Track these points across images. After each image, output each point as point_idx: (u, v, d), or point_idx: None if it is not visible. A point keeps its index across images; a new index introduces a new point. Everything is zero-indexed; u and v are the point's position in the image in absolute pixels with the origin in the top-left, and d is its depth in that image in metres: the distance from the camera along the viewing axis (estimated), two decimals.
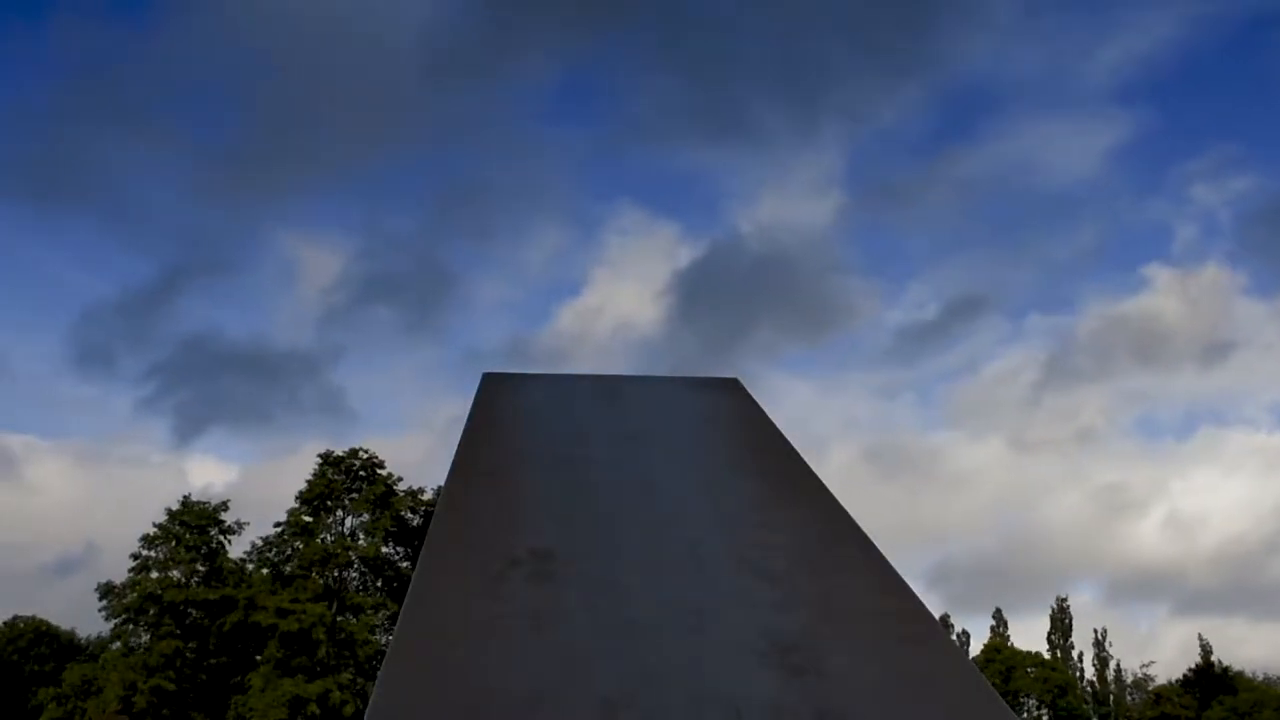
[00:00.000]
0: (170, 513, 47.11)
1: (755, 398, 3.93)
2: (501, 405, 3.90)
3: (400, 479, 49.60)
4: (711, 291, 76.14)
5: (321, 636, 43.56)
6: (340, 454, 49.09)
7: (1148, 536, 78.33)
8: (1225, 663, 58.33)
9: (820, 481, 3.05)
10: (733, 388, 4.14)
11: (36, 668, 49.11)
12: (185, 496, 47.77)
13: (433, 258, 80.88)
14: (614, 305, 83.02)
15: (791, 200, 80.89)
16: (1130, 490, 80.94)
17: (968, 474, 78.53)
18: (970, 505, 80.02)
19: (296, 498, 48.63)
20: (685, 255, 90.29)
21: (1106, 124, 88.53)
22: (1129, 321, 79.18)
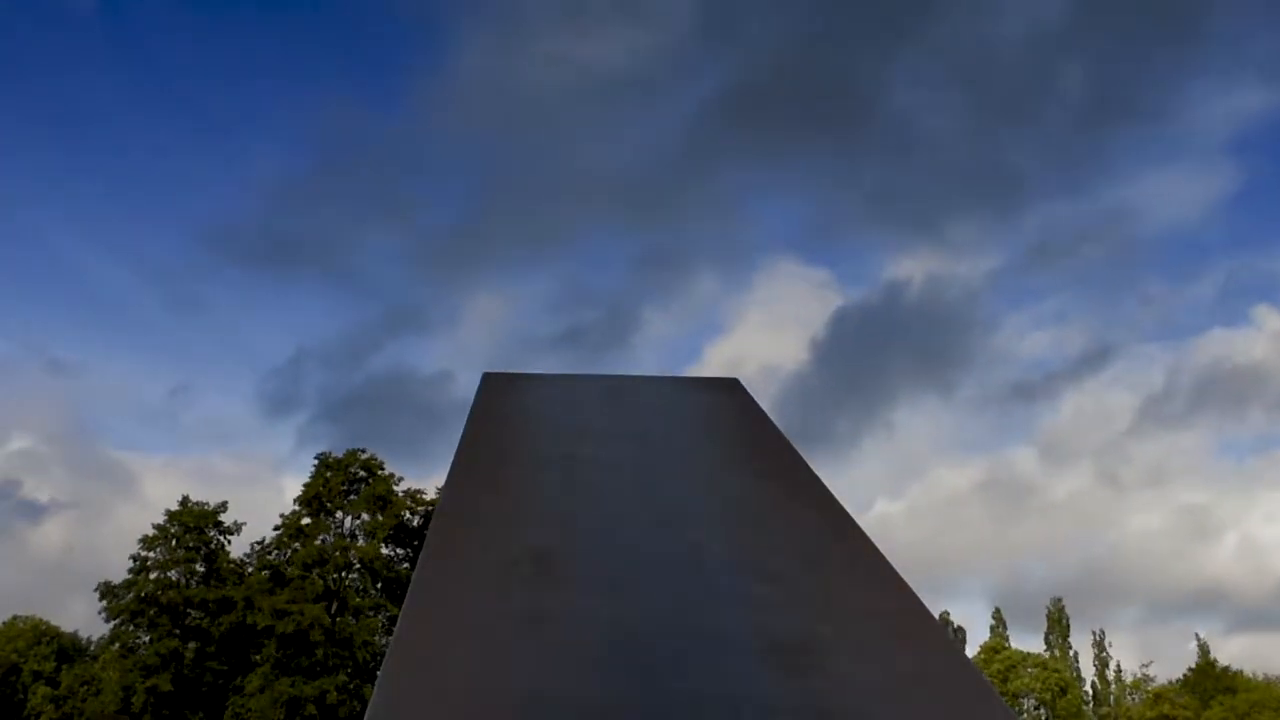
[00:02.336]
0: (169, 513, 47.09)
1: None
2: (502, 405, 3.89)
3: (401, 479, 49.59)
4: (855, 339, 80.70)
5: (320, 638, 43.53)
6: (339, 457, 49.09)
7: (1219, 559, 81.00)
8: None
9: (820, 481, 3.05)
10: (733, 388, 4.13)
11: (36, 667, 49.08)
12: (184, 497, 47.76)
13: (621, 309, 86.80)
14: (759, 347, 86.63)
15: (943, 256, 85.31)
16: (1209, 514, 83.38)
17: (1062, 503, 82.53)
18: (1058, 531, 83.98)
19: (295, 499, 48.61)
20: (833, 302, 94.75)
21: (1217, 173, 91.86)
22: (1231, 362, 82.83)
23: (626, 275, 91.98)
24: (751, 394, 4.00)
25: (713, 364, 79.63)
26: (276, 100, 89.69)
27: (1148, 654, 61.93)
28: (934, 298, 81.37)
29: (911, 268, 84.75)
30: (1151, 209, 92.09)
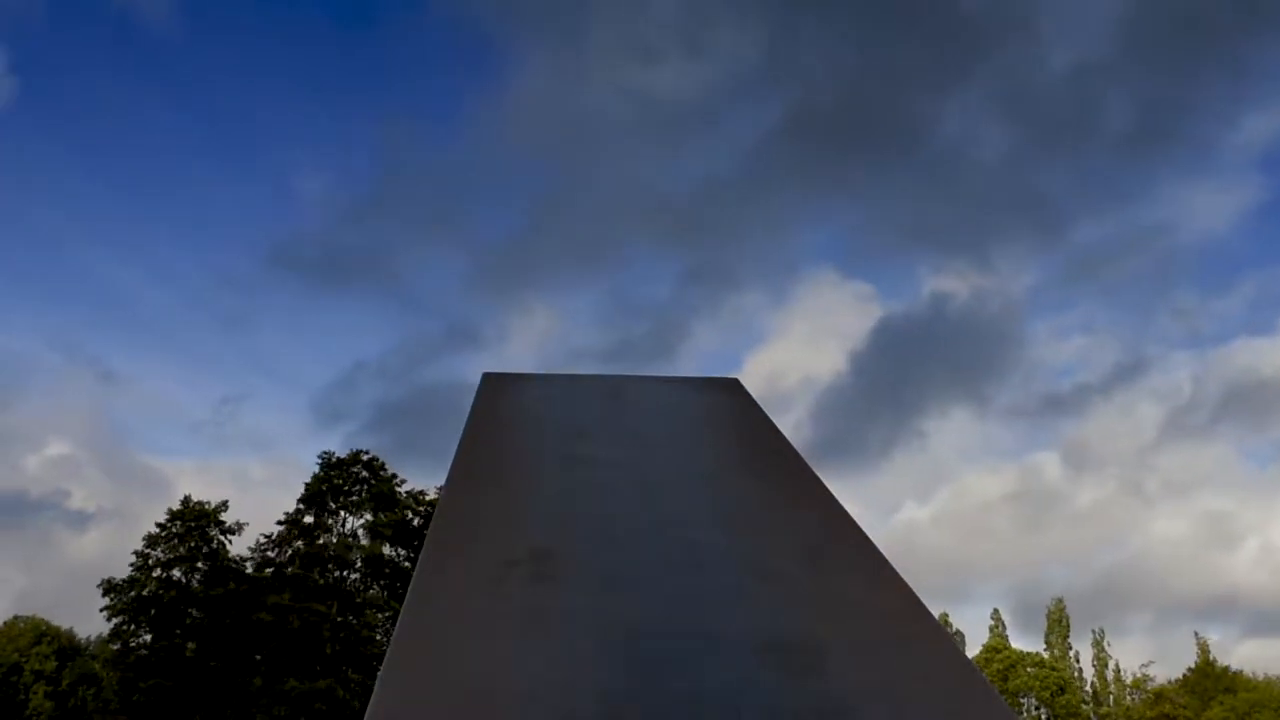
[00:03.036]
0: (171, 512, 47.15)
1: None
2: (501, 405, 3.89)
3: (404, 480, 49.64)
4: (893, 351, 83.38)
5: (326, 634, 43.54)
6: (342, 456, 49.14)
7: (1238, 565, 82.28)
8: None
9: (820, 481, 3.05)
10: (733, 388, 4.13)
11: (37, 667, 49.12)
12: (186, 496, 47.83)
13: (669, 322, 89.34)
14: (800, 358, 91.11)
15: (984, 273, 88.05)
16: (1231, 521, 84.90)
17: (1087, 511, 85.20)
18: (1082, 537, 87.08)
19: (298, 498, 48.66)
20: (873, 315, 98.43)
21: (1247, 185, 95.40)
22: (1259, 372, 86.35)
23: (675, 291, 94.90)
24: (752, 395, 4.00)
25: (752, 374, 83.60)
26: (339, 118, 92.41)
27: (1164, 657, 63.01)
28: (972, 312, 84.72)
29: (951, 283, 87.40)
30: (1185, 223, 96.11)
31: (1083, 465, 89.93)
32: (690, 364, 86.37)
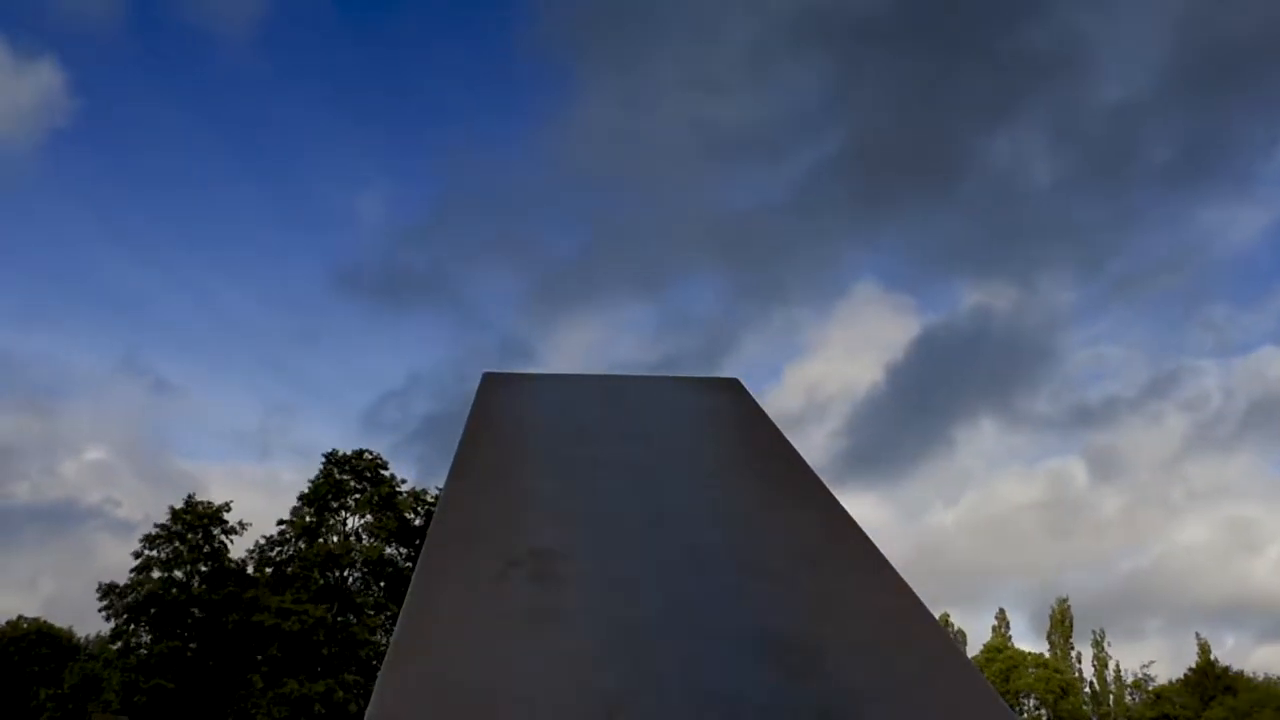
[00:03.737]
0: (174, 511, 47.14)
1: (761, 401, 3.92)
2: (501, 405, 3.89)
3: (404, 480, 49.63)
4: (930, 364, 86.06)
5: (323, 637, 43.53)
6: (346, 454, 49.13)
7: (1259, 571, 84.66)
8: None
9: (820, 482, 3.05)
10: (733, 388, 4.13)
11: (37, 668, 49.14)
12: (189, 496, 47.83)
13: (718, 338, 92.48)
14: (838, 369, 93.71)
15: (1024, 291, 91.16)
16: (1256, 528, 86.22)
17: (1113, 518, 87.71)
18: (1106, 544, 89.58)
19: (299, 497, 48.65)
20: (912, 329, 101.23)
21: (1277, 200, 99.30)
22: None
23: (725, 307, 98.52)
24: (752, 394, 3.99)
25: (791, 385, 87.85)
26: (404, 140, 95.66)
27: (1179, 659, 63.42)
28: (1008, 326, 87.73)
29: (989, 299, 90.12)
30: (1218, 239, 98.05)
31: (1109, 474, 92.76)
32: (731, 374, 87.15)
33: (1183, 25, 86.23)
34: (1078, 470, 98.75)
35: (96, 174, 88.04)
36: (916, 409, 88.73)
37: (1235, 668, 57.59)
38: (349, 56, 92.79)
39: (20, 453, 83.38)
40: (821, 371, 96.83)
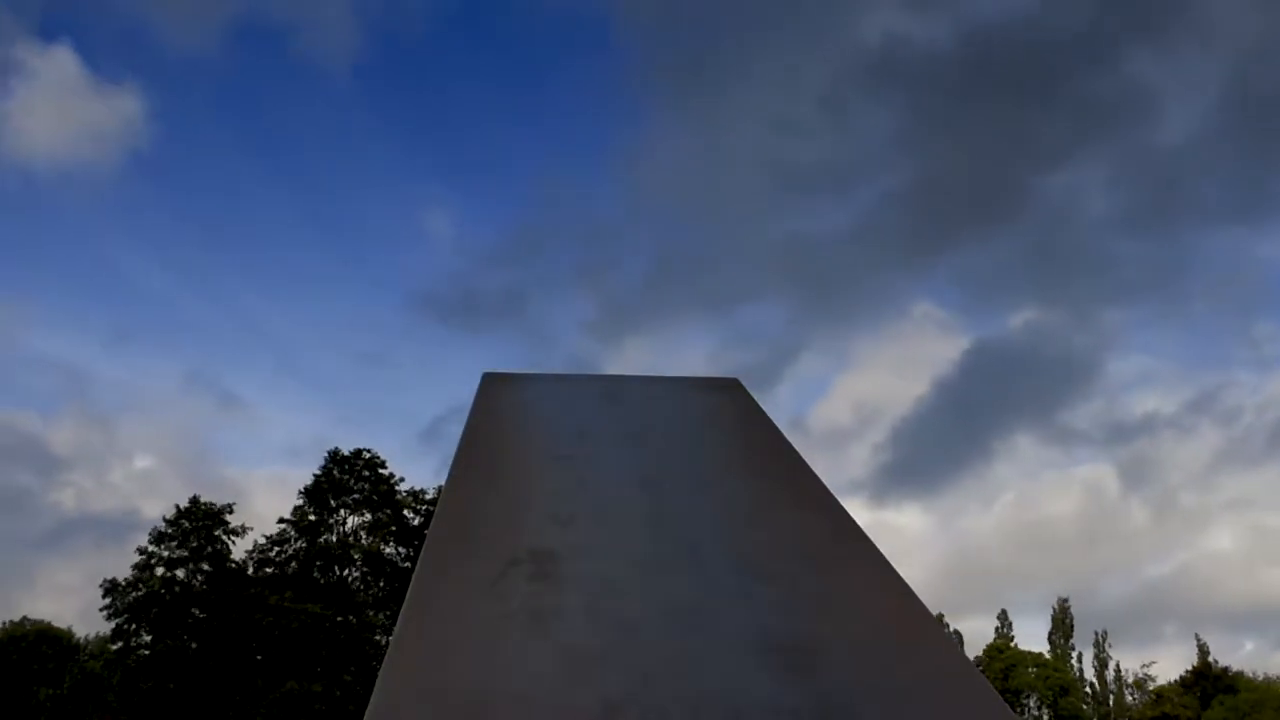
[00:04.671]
0: (178, 510, 47.17)
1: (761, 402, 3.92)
2: (501, 405, 3.89)
3: (402, 479, 49.65)
4: (975, 379, 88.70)
5: (322, 636, 43.53)
6: (346, 454, 49.16)
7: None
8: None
9: (820, 482, 3.05)
10: (733, 388, 4.13)
11: (38, 667, 49.17)
12: (193, 497, 47.87)
13: (778, 356, 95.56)
14: (885, 384, 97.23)
15: (1073, 312, 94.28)
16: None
17: (1144, 529, 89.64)
18: (1136, 553, 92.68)
19: (300, 495, 48.66)
20: (963, 345, 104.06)
21: None
22: None
23: (784, 329, 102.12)
24: (752, 395, 3.99)
25: (837, 398, 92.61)
26: (477, 162, 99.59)
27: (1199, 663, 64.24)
28: (1055, 345, 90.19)
29: (1038, 320, 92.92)
30: (1268, 258, 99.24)
31: (1141, 484, 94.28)
32: (787, 391, 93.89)
33: (1237, 72, 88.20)
34: (1112, 481, 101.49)
35: (172, 196, 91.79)
36: (961, 423, 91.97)
37: (1236, 670, 57.78)
38: (435, 87, 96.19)
39: (72, 463, 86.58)
40: (869, 386, 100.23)
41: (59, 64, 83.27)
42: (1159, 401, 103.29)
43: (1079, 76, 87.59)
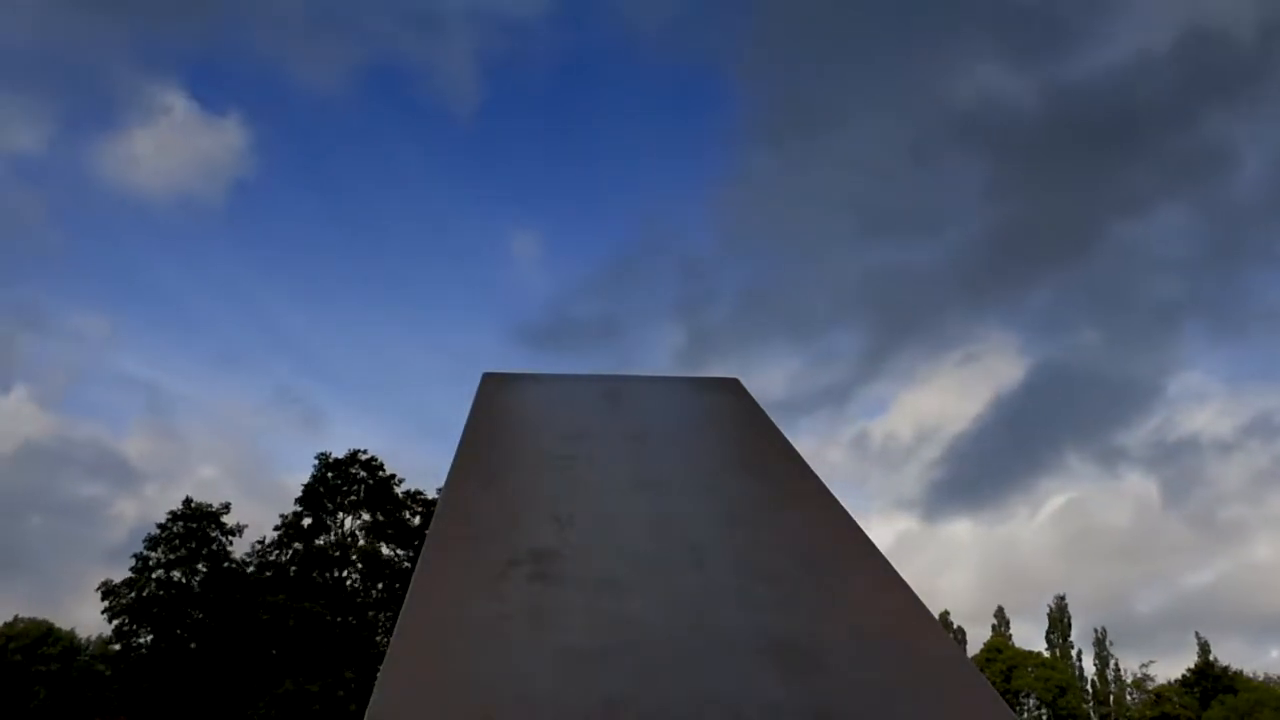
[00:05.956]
0: (173, 513, 47.14)
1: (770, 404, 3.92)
2: (501, 405, 3.89)
3: (401, 479, 49.66)
4: (1035, 398, 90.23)
5: (319, 636, 43.50)
6: (339, 457, 49.16)
7: None
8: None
9: (820, 482, 3.05)
10: (733, 388, 4.13)
11: (40, 667, 49.13)
12: (187, 498, 47.85)
13: (851, 376, 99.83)
14: (944, 402, 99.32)
15: (1140, 334, 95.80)
16: None
17: (1189, 542, 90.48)
18: (1179, 564, 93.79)
19: (296, 499, 48.65)
20: (1014, 373, 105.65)
21: None
22: None
23: (859, 355, 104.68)
24: (752, 394, 3.99)
25: (898, 415, 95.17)
26: (581, 195, 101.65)
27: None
28: (1116, 367, 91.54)
29: (1104, 344, 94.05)
30: None
31: (1187, 500, 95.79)
32: (854, 407, 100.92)
33: None
34: (1159, 494, 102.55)
35: (273, 222, 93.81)
36: (1015, 440, 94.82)
37: (1236, 669, 57.83)
38: (544, 126, 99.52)
39: (143, 474, 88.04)
40: (930, 404, 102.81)
41: (175, 98, 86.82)
42: (1212, 420, 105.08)
43: (1161, 133, 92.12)
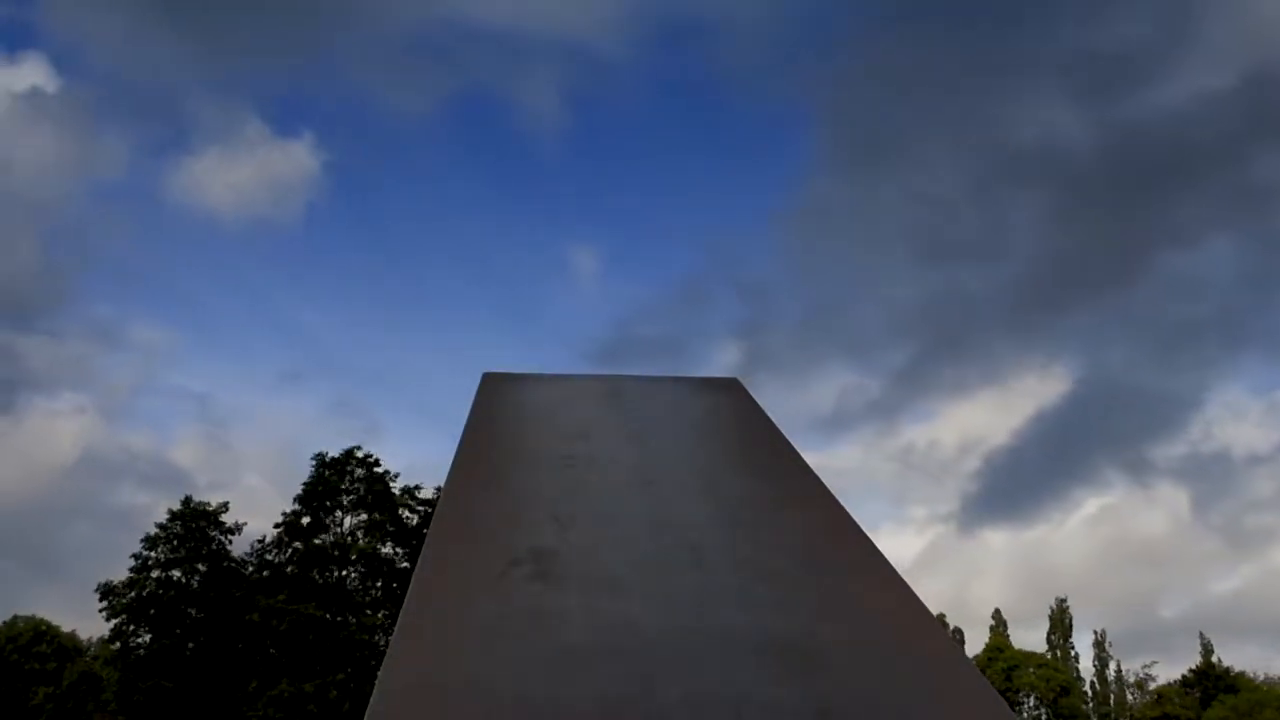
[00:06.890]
0: (171, 513, 47.12)
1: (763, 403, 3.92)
2: (501, 405, 3.89)
3: (397, 475, 49.63)
4: (1073, 415, 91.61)
5: (312, 637, 43.46)
6: (336, 455, 49.13)
7: None
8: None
9: (820, 481, 3.05)
10: (733, 388, 4.13)
11: (37, 666, 49.11)
12: (187, 497, 47.84)
13: (894, 391, 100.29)
14: (985, 416, 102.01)
15: (1181, 351, 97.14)
16: None
17: (1214, 552, 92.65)
18: (1202, 573, 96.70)
19: (294, 498, 48.62)
20: (1049, 390, 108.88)
21: None
22: None
23: (906, 374, 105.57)
24: (752, 394, 3.99)
25: (941, 426, 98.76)
26: (647, 217, 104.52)
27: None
28: (1156, 384, 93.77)
29: (1146, 362, 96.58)
30: None
31: (1214, 508, 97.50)
32: (902, 419, 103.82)
33: None
34: (1191, 504, 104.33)
35: (343, 243, 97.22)
36: (1050, 454, 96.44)
37: (1238, 670, 57.88)
38: (616, 150, 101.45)
39: (188, 481, 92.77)
40: (969, 418, 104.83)
41: (245, 120, 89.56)
42: (1247, 433, 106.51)
43: (1215, 170, 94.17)
